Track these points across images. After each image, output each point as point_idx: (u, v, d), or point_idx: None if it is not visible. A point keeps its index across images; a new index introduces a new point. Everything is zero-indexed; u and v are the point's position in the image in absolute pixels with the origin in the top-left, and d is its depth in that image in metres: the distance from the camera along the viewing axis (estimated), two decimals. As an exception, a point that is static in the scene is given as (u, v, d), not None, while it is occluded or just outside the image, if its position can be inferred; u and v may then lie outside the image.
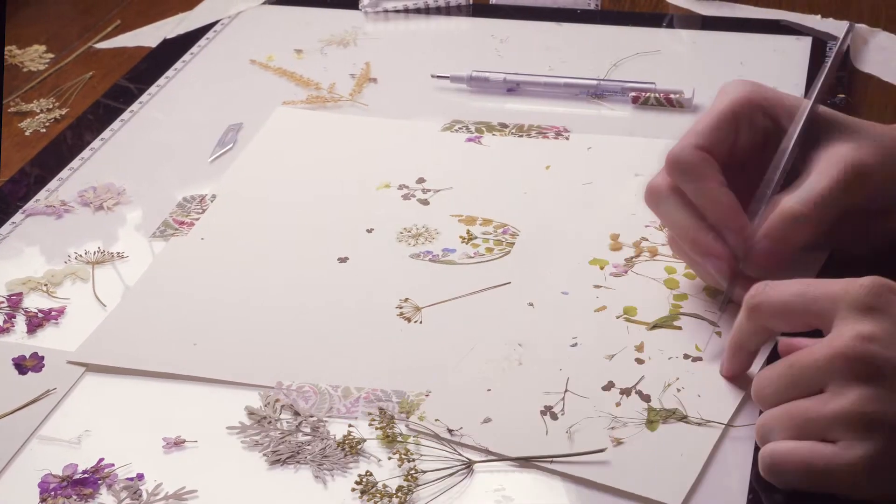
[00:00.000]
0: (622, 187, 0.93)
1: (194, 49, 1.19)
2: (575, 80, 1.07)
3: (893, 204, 0.81)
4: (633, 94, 1.05)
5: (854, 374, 0.64)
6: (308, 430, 0.75)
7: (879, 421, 0.63)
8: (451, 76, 1.09)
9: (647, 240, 0.87)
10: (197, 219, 0.94)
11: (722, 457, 0.70)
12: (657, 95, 1.04)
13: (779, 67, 1.09)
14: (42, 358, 0.81)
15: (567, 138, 1.00)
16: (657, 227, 0.88)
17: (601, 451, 0.70)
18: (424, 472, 0.71)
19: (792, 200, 0.77)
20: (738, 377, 0.75)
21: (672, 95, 1.04)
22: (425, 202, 0.93)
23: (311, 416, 0.75)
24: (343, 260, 0.88)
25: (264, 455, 0.73)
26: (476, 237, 0.89)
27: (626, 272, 0.84)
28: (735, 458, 0.70)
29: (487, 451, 0.72)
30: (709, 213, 0.78)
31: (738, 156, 0.81)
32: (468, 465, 0.71)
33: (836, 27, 1.14)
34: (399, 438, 0.73)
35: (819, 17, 1.17)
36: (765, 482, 0.68)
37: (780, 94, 0.82)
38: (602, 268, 0.85)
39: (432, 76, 1.10)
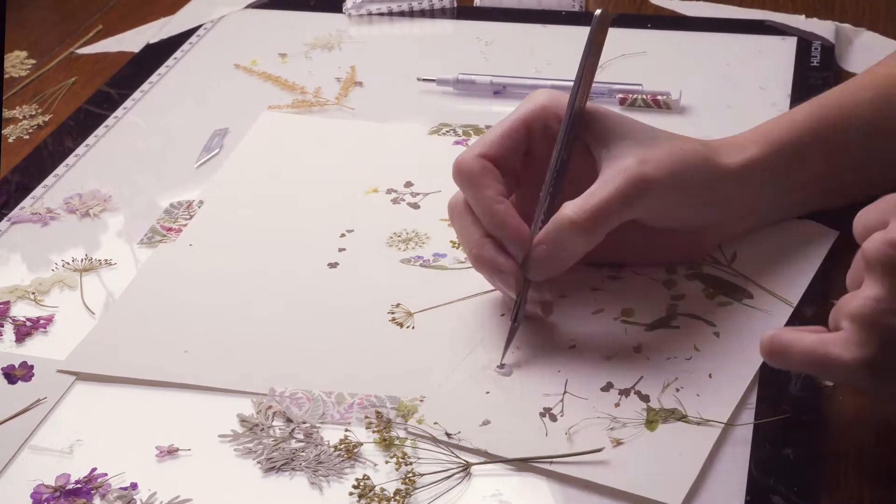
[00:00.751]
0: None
1: (177, 54, 1.18)
2: (562, 82, 1.06)
3: (682, 222, 0.82)
4: (621, 95, 1.05)
5: (875, 274, 0.64)
6: (301, 436, 0.74)
7: (884, 327, 0.63)
8: (437, 79, 1.09)
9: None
10: (185, 225, 0.93)
11: (721, 456, 0.70)
12: (644, 97, 1.04)
13: (764, 68, 1.09)
14: (31, 367, 0.80)
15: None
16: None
17: (599, 450, 0.70)
18: (422, 475, 0.70)
19: (569, 208, 0.76)
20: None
21: (659, 97, 1.04)
22: (415, 206, 0.93)
23: (304, 423, 0.75)
24: (333, 265, 0.88)
25: (258, 462, 0.72)
26: (467, 240, 0.89)
27: (621, 275, 0.84)
28: (734, 458, 0.70)
29: (486, 454, 0.71)
30: (486, 222, 0.77)
31: (536, 165, 0.80)
32: (466, 468, 0.71)
33: (820, 27, 1.14)
34: (396, 442, 0.73)
35: (803, 17, 1.17)
36: (763, 483, 0.68)
37: (583, 107, 0.80)
38: (599, 268, 0.84)
39: (419, 79, 1.09)
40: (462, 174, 0.78)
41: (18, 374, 0.80)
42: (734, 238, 0.85)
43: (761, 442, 0.71)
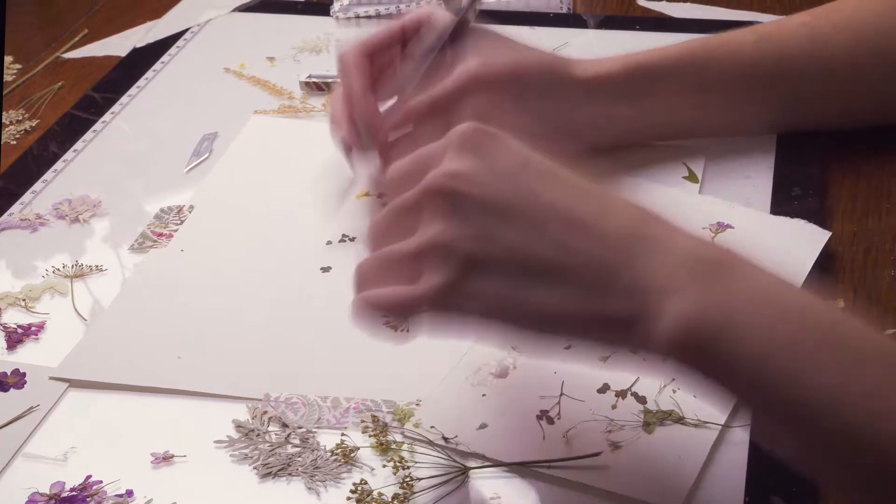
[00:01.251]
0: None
1: (165, 58, 1.18)
2: None
3: (529, 123, 0.86)
4: None
5: (436, 209, 0.64)
6: (297, 441, 0.74)
7: (452, 252, 0.63)
8: None
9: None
10: (176, 230, 0.93)
11: (719, 457, 0.70)
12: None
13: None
14: (24, 374, 0.80)
15: None
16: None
17: (597, 454, 0.70)
18: (420, 479, 0.70)
19: (415, 98, 0.84)
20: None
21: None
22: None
23: (300, 428, 0.74)
24: (326, 269, 0.87)
25: (254, 468, 0.72)
26: (460, 243, 0.88)
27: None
28: (731, 459, 0.70)
29: (484, 458, 0.71)
30: (348, 104, 0.85)
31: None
32: (464, 472, 0.70)
33: (808, 27, 1.14)
34: (393, 446, 0.72)
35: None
36: (762, 483, 0.68)
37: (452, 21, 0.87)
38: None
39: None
40: (341, 62, 0.86)
41: (11, 381, 0.80)
42: (599, 148, 0.90)
43: (759, 442, 0.70)
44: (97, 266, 0.90)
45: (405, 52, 0.88)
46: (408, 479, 0.70)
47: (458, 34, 0.86)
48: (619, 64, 0.90)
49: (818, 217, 0.88)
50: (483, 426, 0.73)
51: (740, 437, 0.71)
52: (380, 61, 0.87)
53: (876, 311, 0.81)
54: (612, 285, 0.61)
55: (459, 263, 0.63)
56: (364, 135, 0.85)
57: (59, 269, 0.90)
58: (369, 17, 1.22)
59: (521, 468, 0.70)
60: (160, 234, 0.92)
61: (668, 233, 0.64)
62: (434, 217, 0.64)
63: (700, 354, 0.60)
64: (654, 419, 0.72)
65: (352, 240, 0.90)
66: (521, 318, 0.64)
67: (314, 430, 0.74)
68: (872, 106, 0.94)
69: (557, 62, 0.89)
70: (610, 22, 1.20)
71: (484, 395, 0.75)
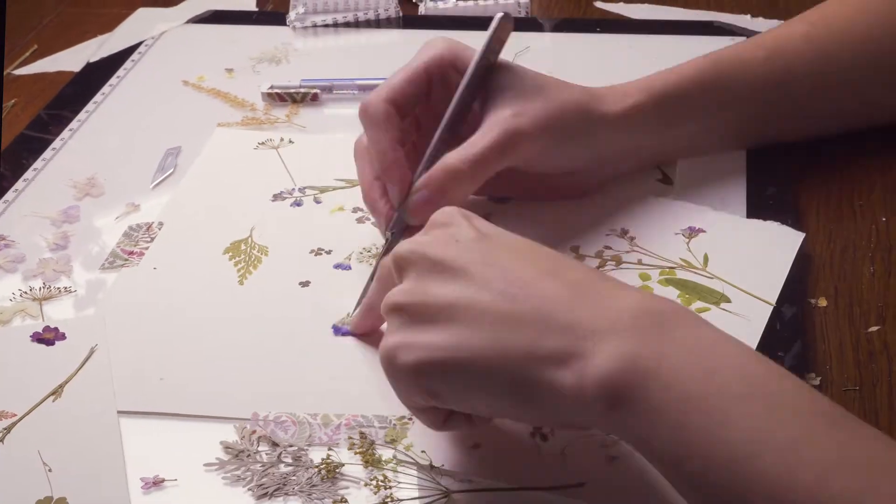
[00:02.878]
0: (578, 198, 0.92)
1: (120, 72, 1.16)
2: None
3: (559, 168, 0.88)
4: None
5: (399, 275, 0.69)
6: (290, 460, 0.73)
7: (398, 307, 0.67)
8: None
9: (609, 248, 0.86)
10: (146, 248, 0.91)
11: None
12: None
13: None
14: None
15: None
16: (617, 234, 0.87)
17: (581, 485, 0.69)
18: (401, 500, 0.69)
19: (452, 157, 0.82)
20: (365, 334, 0.81)
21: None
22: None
23: (291, 446, 0.73)
24: (305, 284, 0.86)
25: (249, 490, 0.71)
26: (438, 254, 0.88)
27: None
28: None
29: (472, 481, 0.70)
30: (376, 163, 0.83)
31: (434, 111, 0.86)
32: (446, 495, 0.70)
33: (766, 26, 1.15)
34: (380, 464, 0.72)
35: (749, 16, 1.17)
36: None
37: (466, 55, 0.86)
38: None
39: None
40: (368, 117, 0.84)
41: (-9, 408, 0.79)
42: (618, 176, 0.92)
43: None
44: (66, 288, 0.88)
45: (432, 98, 0.87)
46: (388, 500, 0.69)
47: (484, 76, 0.86)
48: (644, 95, 0.89)
49: (793, 216, 0.88)
50: (476, 446, 0.72)
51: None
52: (403, 109, 0.85)
53: (858, 309, 0.81)
54: (552, 324, 0.62)
55: (403, 319, 0.66)
56: (394, 194, 0.84)
57: (26, 293, 0.88)
58: (326, 25, 1.21)
59: (508, 492, 0.69)
60: (131, 253, 0.91)
61: (615, 289, 0.65)
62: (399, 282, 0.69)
63: (627, 398, 0.59)
64: (650, 430, 0.72)
65: (328, 253, 0.89)
66: (462, 363, 0.64)
67: (306, 447, 0.73)
68: (866, 111, 0.96)
69: (587, 100, 0.87)
70: (567, 25, 1.20)
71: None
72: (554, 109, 0.85)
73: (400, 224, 0.83)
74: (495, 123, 0.83)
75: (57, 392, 0.78)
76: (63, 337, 0.82)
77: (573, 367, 0.61)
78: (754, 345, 0.77)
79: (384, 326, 0.71)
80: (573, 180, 0.90)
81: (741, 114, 0.93)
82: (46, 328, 0.82)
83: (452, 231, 0.69)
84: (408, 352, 0.65)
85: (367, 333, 0.81)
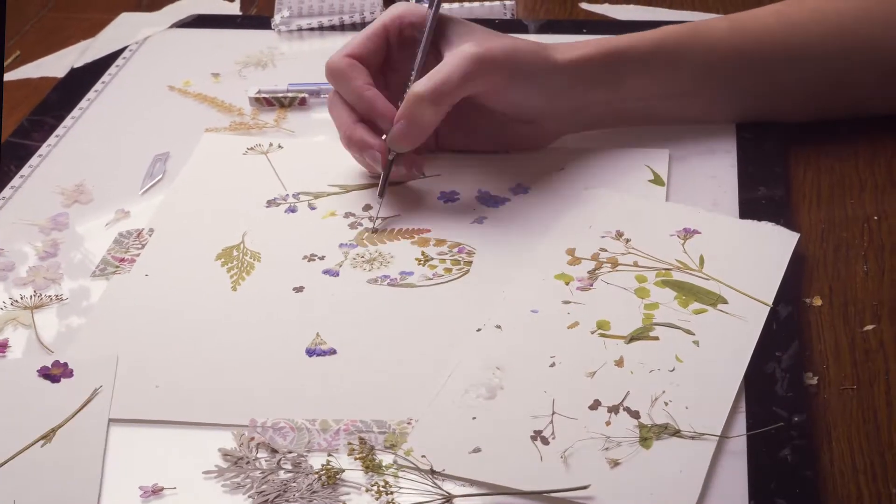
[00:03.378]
0: (573, 200, 0.92)
1: (105, 77, 1.15)
2: None
3: (517, 106, 0.94)
4: None
5: None
6: (289, 466, 0.72)
7: None
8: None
9: (605, 250, 0.86)
10: (137, 254, 0.91)
11: (719, 469, 0.70)
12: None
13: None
14: (-6, 410, 0.78)
15: (507, 151, 0.99)
16: (612, 236, 0.87)
17: (585, 487, 0.69)
18: (401, 506, 0.69)
19: (418, 85, 0.89)
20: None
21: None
22: (373, 231, 0.91)
23: (291, 453, 0.73)
24: (298, 289, 0.86)
25: (249, 497, 0.71)
26: (432, 258, 0.88)
27: (591, 285, 0.83)
28: (732, 467, 0.70)
29: (473, 485, 0.70)
30: (358, 107, 0.91)
31: (395, 63, 0.95)
32: (448, 500, 0.69)
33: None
34: (381, 469, 0.71)
35: (734, 17, 1.17)
36: (764, 489, 0.68)
37: (441, 17, 0.94)
38: (567, 283, 0.83)
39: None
40: (333, 71, 0.92)
41: (-14, 418, 0.78)
42: (572, 131, 0.98)
43: (757, 448, 0.71)
44: (58, 296, 0.88)
45: (391, 55, 0.95)
46: (389, 505, 0.69)
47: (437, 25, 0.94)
48: (594, 48, 0.94)
49: (786, 216, 0.88)
50: (476, 450, 0.72)
51: (738, 446, 0.71)
52: (366, 62, 0.92)
53: (853, 308, 0.81)
54: None
55: None
56: (385, 125, 0.91)
57: (17, 301, 0.87)
58: (312, 29, 1.21)
59: (511, 496, 0.69)
60: (122, 260, 0.90)
61: None
62: None
63: None
64: (651, 434, 0.72)
65: (321, 258, 0.88)
66: None
67: (305, 453, 0.73)
68: (836, 96, 0.96)
69: (541, 48, 0.93)
70: (552, 26, 1.20)
71: (475, 417, 0.74)
72: (510, 48, 0.91)
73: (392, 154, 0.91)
74: (457, 53, 0.90)
75: (48, 436, 0.75)
76: (70, 374, 0.79)
77: None
78: (752, 345, 0.77)
79: None
80: (531, 130, 0.96)
81: (700, 84, 0.96)
82: (56, 363, 0.80)
83: None
84: None
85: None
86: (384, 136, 0.91)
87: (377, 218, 0.91)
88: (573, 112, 0.96)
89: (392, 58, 0.95)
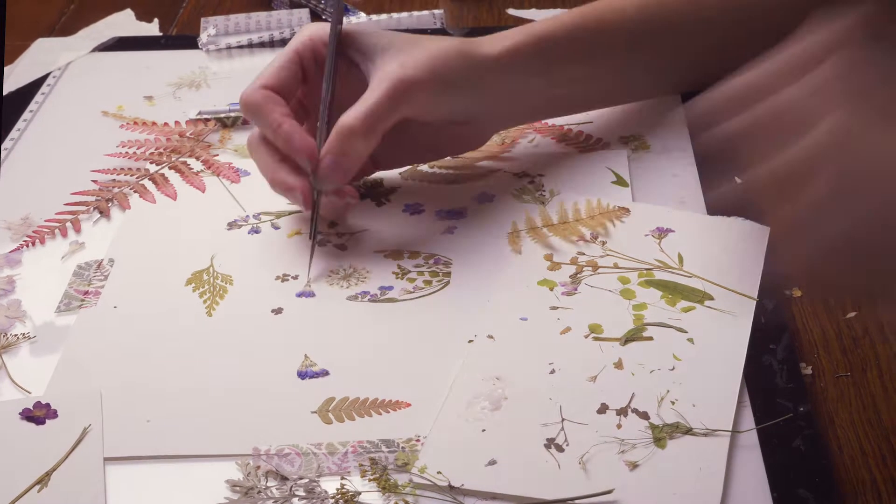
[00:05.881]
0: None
1: (33, 106, 1.12)
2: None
3: (451, 114, 0.91)
4: None
5: None
6: (302, 493, 0.71)
7: None
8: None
9: (583, 254, 0.86)
10: (101, 286, 0.88)
11: (737, 463, 0.70)
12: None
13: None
14: (-19, 457, 0.75)
15: (445, 156, 0.99)
16: (587, 239, 0.88)
17: (609, 492, 0.69)
18: (426, 523, 0.69)
19: (346, 116, 0.86)
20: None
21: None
22: (342, 247, 0.90)
23: (301, 479, 0.72)
24: (277, 311, 0.85)
25: (266, 527, 0.69)
26: (410, 271, 0.87)
27: (576, 290, 0.83)
28: (749, 462, 0.71)
29: (495, 497, 0.69)
30: (277, 143, 0.86)
31: (315, 88, 0.90)
32: (472, 515, 0.69)
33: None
34: (398, 489, 0.71)
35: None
36: (785, 479, 0.69)
37: (347, 30, 0.91)
38: (552, 289, 0.84)
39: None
40: (248, 105, 0.87)
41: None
42: (509, 127, 0.99)
43: (769, 441, 0.72)
44: (24, 334, 0.85)
45: (309, 79, 0.91)
46: (414, 524, 0.68)
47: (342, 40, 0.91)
48: (523, 36, 0.93)
49: (753, 210, 0.89)
50: (492, 462, 0.71)
51: (750, 440, 0.72)
52: (282, 92, 0.88)
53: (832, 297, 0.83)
54: None
55: None
56: (304, 163, 0.86)
57: (-19, 343, 0.85)
58: (241, 46, 1.19)
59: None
60: (86, 293, 0.88)
61: None
62: None
63: None
64: (664, 434, 0.72)
65: (294, 278, 0.87)
66: None
67: (316, 478, 0.72)
68: (748, 57, 0.97)
69: (466, 46, 0.91)
70: (478, 34, 1.19)
71: (484, 430, 0.73)
72: (436, 57, 0.88)
73: (316, 191, 0.87)
74: (383, 78, 0.87)
75: (43, 481, 0.73)
76: (55, 415, 0.77)
77: None
78: (746, 339, 0.78)
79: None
80: (468, 131, 0.94)
81: (621, 60, 0.97)
82: (37, 404, 0.77)
83: None
84: None
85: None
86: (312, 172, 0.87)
87: (309, 269, 0.88)
88: (508, 105, 0.94)
89: (311, 82, 0.91)
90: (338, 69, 0.90)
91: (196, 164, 1.01)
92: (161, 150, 1.03)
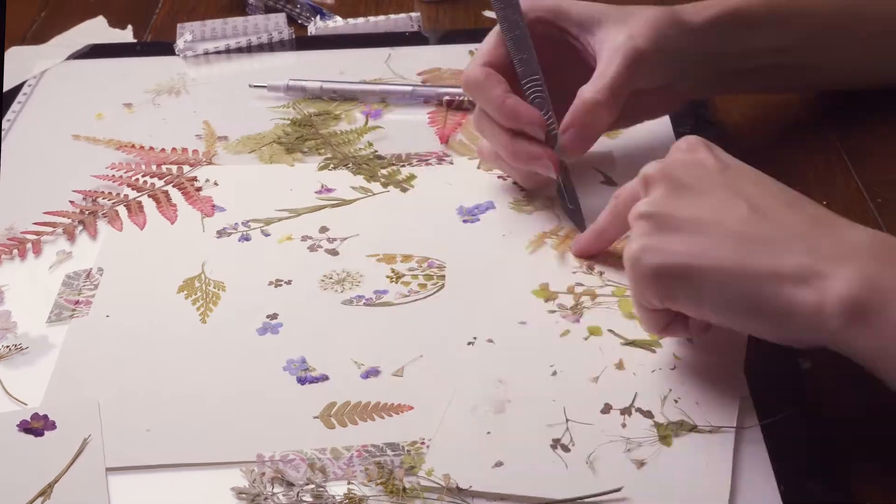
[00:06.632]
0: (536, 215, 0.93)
1: (10, 115, 1.11)
2: (391, 87, 1.09)
3: (669, 79, 0.92)
4: (447, 98, 1.07)
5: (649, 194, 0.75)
6: (309, 498, 0.71)
7: (650, 216, 0.73)
8: (268, 85, 1.10)
9: (581, 284, 0.85)
10: (92, 295, 0.88)
11: (742, 458, 0.71)
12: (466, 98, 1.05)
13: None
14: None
15: (451, 163, 0.99)
16: (584, 270, 0.87)
17: (618, 489, 0.69)
18: (435, 526, 0.69)
19: (589, 90, 0.87)
20: (586, 255, 0.87)
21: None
22: (334, 252, 0.90)
23: (308, 484, 0.72)
24: (272, 316, 0.84)
25: (276, 534, 0.69)
26: (404, 275, 0.87)
27: (578, 321, 0.82)
28: (754, 457, 0.71)
29: (504, 498, 0.70)
30: (502, 118, 0.87)
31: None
32: (484, 516, 0.69)
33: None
34: (406, 492, 0.71)
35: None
36: (792, 471, 0.70)
37: (559, 4, 0.92)
38: (546, 300, 0.84)
39: (250, 85, 1.11)
40: (470, 83, 0.89)
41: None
42: (702, 96, 1.01)
43: (773, 435, 0.72)
44: (16, 345, 0.84)
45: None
46: (423, 526, 0.68)
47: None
48: (720, 7, 0.93)
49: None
50: (499, 464, 0.71)
51: (754, 434, 0.72)
52: (502, 68, 0.89)
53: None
54: (793, 247, 0.68)
55: (651, 225, 0.72)
56: (539, 134, 0.88)
57: (-28, 356, 0.84)
58: (219, 52, 1.18)
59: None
60: (77, 302, 0.87)
61: (851, 225, 0.70)
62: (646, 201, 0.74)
63: (866, 315, 0.65)
64: (669, 431, 0.72)
65: (288, 283, 0.87)
66: (704, 270, 0.69)
67: (323, 484, 0.72)
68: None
69: (676, 14, 0.91)
70: (454, 37, 1.20)
71: (489, 432, 0.74)
72: (658, 27, 0.89)
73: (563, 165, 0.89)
74: (615, 51, 0.88)
75: (46, 493, 0.72)
76: (53, 426, 0.76)
77: (814, 285, 0.66)
78: (745, 338, 0.78)
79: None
80: (668, 97, 0.95)
81: (805, 41, 0.96)
82: (35, 416, 0.77)
83: (698, 157, 0.74)
84: (652, 255, 0.71)
85: (587, 255, 0.87)
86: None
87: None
88: (705, 73, 0.94)
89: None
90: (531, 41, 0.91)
91: (176, 195, 0.99)
92: (147, 175, 1.01)
